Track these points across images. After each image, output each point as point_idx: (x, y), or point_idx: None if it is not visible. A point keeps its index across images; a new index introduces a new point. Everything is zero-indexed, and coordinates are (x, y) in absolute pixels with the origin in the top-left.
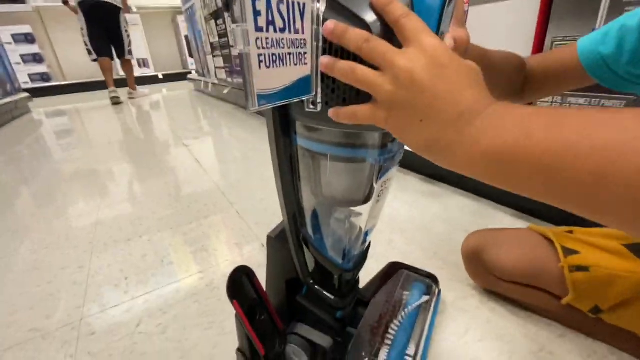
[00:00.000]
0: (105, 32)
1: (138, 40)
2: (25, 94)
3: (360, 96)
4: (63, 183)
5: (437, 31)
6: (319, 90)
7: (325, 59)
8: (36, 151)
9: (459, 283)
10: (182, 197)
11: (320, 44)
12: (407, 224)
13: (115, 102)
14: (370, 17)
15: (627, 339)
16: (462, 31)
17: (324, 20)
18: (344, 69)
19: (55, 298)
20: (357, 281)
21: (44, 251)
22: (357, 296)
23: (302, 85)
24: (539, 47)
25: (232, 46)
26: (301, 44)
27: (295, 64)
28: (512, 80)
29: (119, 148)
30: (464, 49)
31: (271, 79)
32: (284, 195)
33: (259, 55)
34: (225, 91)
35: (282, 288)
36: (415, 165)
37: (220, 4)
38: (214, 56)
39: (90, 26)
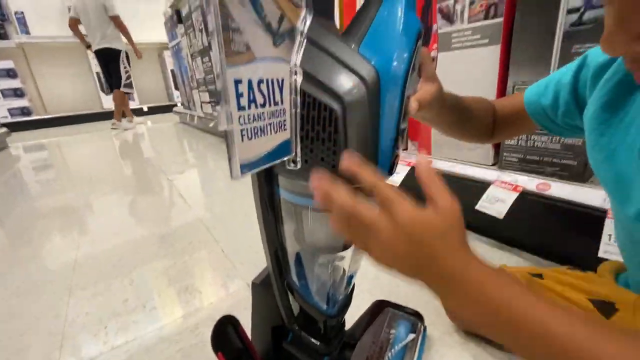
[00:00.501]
0: (106, 69)
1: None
2: (3, 129)
3: (336, 156)
4: (39, 221)
5: (402, 97)
6: (299, 150)
7: (322, 198)
8: (12, 187)
9: (445, 318)
10: (166, 235)
11: (299, 110)
12: None
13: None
14: (342, 92)
15: None
16: (429, 87)
17: (302, 91)
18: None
19: (29, 351)
20: (343, 324)
21: (17, 299)
22: (343, 339)
23: (282, 148)
24: (502, 90)
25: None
26: (281, 113)
27: (276, 132)
28: (484, 123)
29: (100, 183)
30: (430, 103)
31: (253, 149)
32: (268, 243)
33: (242, 130)
34: (211, 124)
35: (268, 335)
36: None
37: (206, 43)
38: (199, 91)
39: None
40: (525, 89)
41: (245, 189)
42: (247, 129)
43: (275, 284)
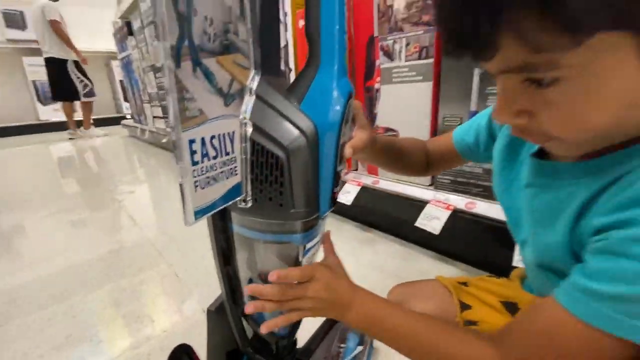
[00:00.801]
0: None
1: None
2: None
3: (282, 195)
4: None
5: (337, 145)
6: (249, 191)
7: (253, 288)
8: None
9: None
10: (113, 260)
11: (249, 156)
12: None
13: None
14: (286, 141)
15: None
16: (362, 134)
17: (251, 140)
18: (270, 308)
19: None
20: (295, 343)
21: None
22: (295, 357)
23: (234, 191)
24: (435, 120)
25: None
26: (231, 161)
27: (227, 178)
28: (416, 161)
29: (37, 203)
30: (363, 149)
31: (206, 196)
32: (222, 272)
33: (195, 182)
34: (164, 140)
35: None
36: (351, 213)
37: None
38: (151, 105)
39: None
40: (452, 120)
41: None
42: (200, 180)
43: (230, 312)
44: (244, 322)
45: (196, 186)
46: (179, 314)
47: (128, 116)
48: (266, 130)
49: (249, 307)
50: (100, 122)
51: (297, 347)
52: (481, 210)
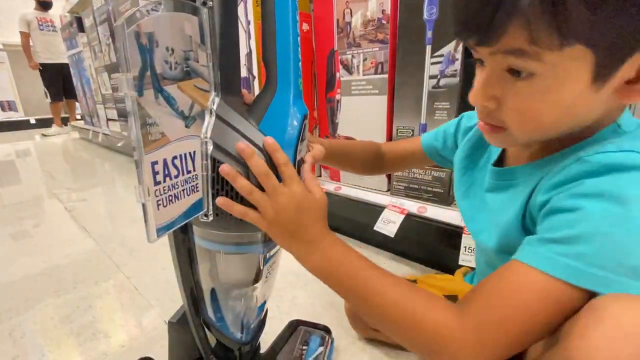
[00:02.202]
0: None
1: (4, 80)
2: None
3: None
4: None
5: (294, 160)
6: (211, 206)
7: (227, 170)
8: None
9: (350, 330)
10: (64, 275)
11: (210, 173)
12: (309, 278)
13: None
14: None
15: None
16: (318, 148)
17: (212, 157)
18: (244, 186)
19: None
20: (258, 347)
21: None
22: None
23: (195, 207)
24: (390, 131)
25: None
26: (193, 178)
27: (189, 194)
28: (370, 163)
29: None
30: (321, 158)
31: (168, 213)
32: (184, 283)
33: (157, 201)
34: (120, 144)
35: None
36: None
37: (114, 60)
38: (105, 107)
39: None
40: (405, 131)
41: None
42: (162, 199)
43: (192, 321)
44: (207, 331)
45: (158, 205)
46: (138, 328)
47: (78, 117)
48: (226, 149)
49: (223, 168)
50: (44, 123)
51: (260, 351)
52: (431, 214)
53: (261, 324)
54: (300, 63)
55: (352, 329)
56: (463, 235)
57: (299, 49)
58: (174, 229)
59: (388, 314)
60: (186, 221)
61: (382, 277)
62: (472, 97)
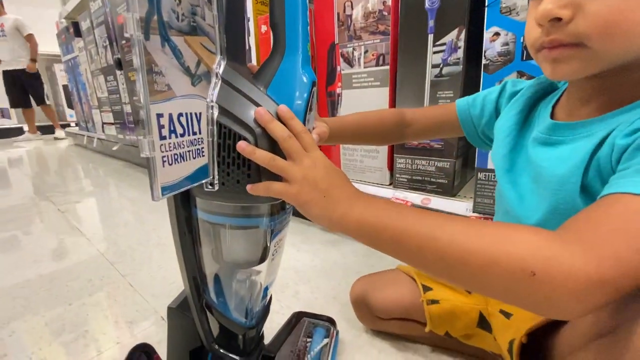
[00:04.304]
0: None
1: None
2: None
3: (249, 178)
4: None
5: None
6: (216, 174)
7: (244, 146)
8: None
9: (356, 322)
10: (57, 275)
11: (216, 139)
12: (311, 273)
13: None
14: (252, 124)
15: (472, 351)
16: (323, 125)
17: (217, 122)
18: (265, 157)
19: None
20: (262, 337)
21: None
22: (262, 352)
23: (200, 172)
24: None
25: (125, 103)
26: (199, 141)
27: (194, 157)
28: (391, 133)
29: None
30: (326, 137)
31: (173, 173)
32: (186, 264)
33: (163, 157)
34: (115, 147)
35: (186, 359)
36: None
37: (110, 61)
38: (101, 111)
39: None
40: (440, 105)
41: (155, 217)
42: (168, 156)
43: (193, 305)
44: (209, 317)
45: (164, 161)
46: (134, 325)
47: (72, 124)
48: (233, 114)
49: (240, 145)
50: (40, 130)
51: (264, 342)
52: (436, 206)
53: (266, 310)
54: (308, 27)
55: (358, 320)
56: None
57: (308, 12)
58: (178, 191)
59: (464, 260)
60: (192, 185)
61: (445, 219)
62: (542, 10)
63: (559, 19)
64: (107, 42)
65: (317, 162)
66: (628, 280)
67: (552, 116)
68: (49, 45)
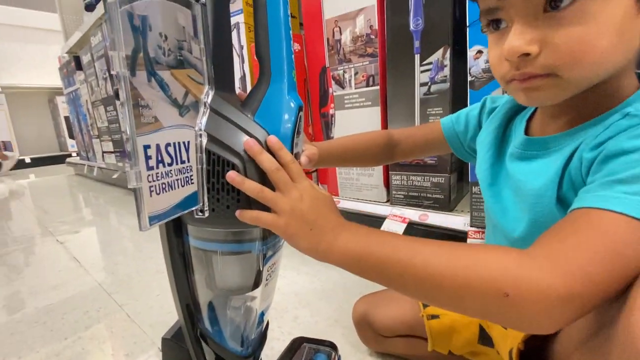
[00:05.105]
0: None
1: (1, 121)
2: None
3: (239, 203)
4: None
5: (292, 152)
6: (206, 200)
7: (234, 176)
8: None
9: (360, 345)
10: (53, 307)
11: (205, 166)
12: (311, 296)
13: None
14: (241, 151)
15: None
16: (312, 148)
17: (206, 149)
18: (254, 188)
19: None
20: None
21: None
22: None
23: (190, 200)
24: None
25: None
26: (187, 169)
27: (183, 185)
28: (379, 154)
29: None
30: (316, 160)
31: (161, 202)
32: (179, 294)
33: (150, 187)
34: (115, 175)
35: None
36: None
37: (110, 92)
38: (101, 140)
39: None
40: (426, 124)
41: (155, 245)
42: (155, 186)
43: (188, 335)
44: (204, 347)
45: (151, 191)
46: (130, 356)
47: (74, 154)
48: (222, 141)
49: (230, 175)
50: (39, 162)
51: None
52: (433, 221)
53: (262, 337)
54: (293, 55)
55: (361, 342)
56: (468, 240)
57: (292, 42)
58: (167, 220)
59: (440, 284)
60: (180, 213)
61: (422, 245)
62: (509, 48)
63: (528, 54)
64: (107, 74)
65: (304, 193)
66: (597, 294)
67: (526, 131)
68: (51, 79)
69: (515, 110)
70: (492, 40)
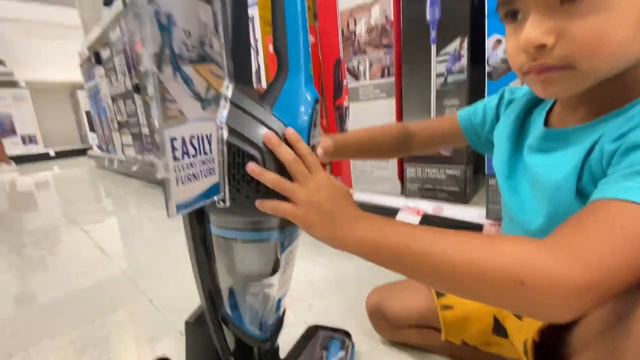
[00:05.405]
0: None
1: (25, 115)
2: None
3: (258, 193)
4: None
5: (309, 144)
6: (227, 191)
7: (254, 167)
8: None
9: (372, 334)
10: (80, 293)
11: (226, 158)
12: (326, 286)
13: None
14: (260, 143)
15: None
16: (328, 140)
17: (227, 142)
18: (272, 179)
19: None
20: (277, 350)
21: None
22: None
23: (212, 190)
24: None
25: (143, 125)
26: (210, 161)
27: (206, 176)
28: (395, 146)
29: None
30: (331, 152)
31: (187, 192)
32: (202, 279)
33: (176, 177)
34: (134, 168)
35: None
36: None
37: (129, 87)
38: (121, 133)
39: None
40: (442, 117)
41: (173, 234)
42: (181, 176)
43: (210, 318)
44: (225, 331)
45: (178, 181)
46: (153, 342)
47: (95, 146)
48: (242, 133)
49: (250, 166)
50: (63, 154)
51: (280, 355)
52: (448, 213)
53: (279, 322)
54: (309, 49)
55: (375, 331)
56: (484, 232)
57: (308, 35)
58: (192, 208)
59: (456, 273)
60: (204, 202)
61: (438, 234)
62: (526, 39)
63: (544, 45)
64: (126, 69)
65: (321, 184)
66: (614, 284)
67: (546, 123)
68: (72, 74)
69: (534, 102)
70: (510, 31)
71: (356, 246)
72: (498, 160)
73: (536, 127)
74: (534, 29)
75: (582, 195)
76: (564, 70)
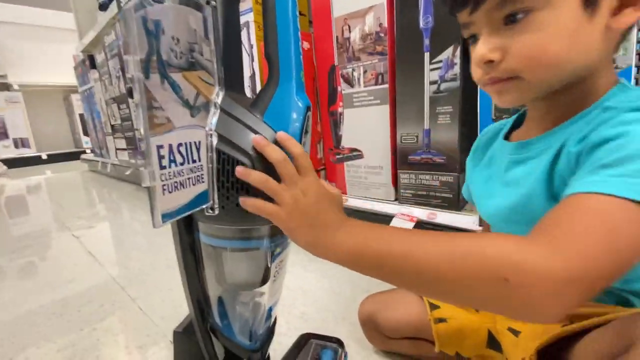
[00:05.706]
0: None
1: (18, 119)
2: None
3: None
4: None
5: None
6: (216, 198)
7: (241, 170)
8: None
9: (365, 342)
10: (69, 300)
11: (215, 165)
12: (319, 293)
13: None
14: (250, 150)
15: None
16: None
17: (216, 149)
18: (259, 178)
19: None
20: (268, 359)
21: None
22: None
23: (200, 198)
24: (394, 139)
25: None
26: (198, 168)
27: (194, 184)
28: None
29: None
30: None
31: (173, 200)
32: (190, 289)
33: (163, 185)
34: (128, 172)
35: None
36: None
37: (123, 91)
38: (115, 137)
39: None
40: (409, 138)
41: (166, 240)
42: (167, 184)
43: (198, 328)
44: (214, 341)
45: (164, 189)
46: (142, 350)
47: (88, 150)
48: (231, 140)
49: (238, 169)
50: (55, 158)
51: None
52: (442, 220)
53: (270, 331)
54: (301, 57)
55: (368, 340)
56: None
57: (300, 42)
58: (178, 217)
59: (439, 274)
60: (191, 211)
61: (419, 235)
62: (476, 57)
63: (492, 61)
64: (120, 73)
65: (309, 187)
66: (597, 275)
67: (509, 135)
68: (66, 77)
69: (490, 136)
70: (472, 50)
71: (338, 254)
72: (473, 181)
73: (502, 146)
74: (484, 47)
75: (557, 200)
76: (512, 81)
